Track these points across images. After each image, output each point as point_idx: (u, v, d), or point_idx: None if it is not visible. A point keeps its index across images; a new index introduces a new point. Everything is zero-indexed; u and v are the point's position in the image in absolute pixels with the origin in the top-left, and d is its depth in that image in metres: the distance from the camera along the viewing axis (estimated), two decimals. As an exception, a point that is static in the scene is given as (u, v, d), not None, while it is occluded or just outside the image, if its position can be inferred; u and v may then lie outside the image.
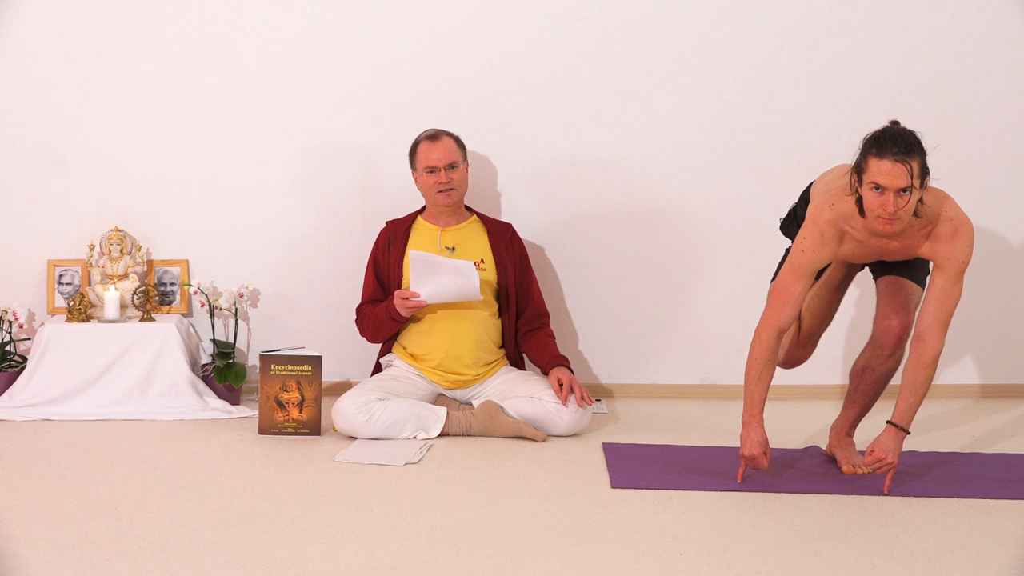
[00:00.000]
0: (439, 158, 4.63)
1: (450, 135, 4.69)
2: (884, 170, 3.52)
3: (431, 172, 4.63)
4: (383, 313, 4.60)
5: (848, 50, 5.03)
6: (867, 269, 4.09)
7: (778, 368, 4.26)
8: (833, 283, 4.10)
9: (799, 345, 4.19)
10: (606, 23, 5.02)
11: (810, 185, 4.05)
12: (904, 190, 3.52)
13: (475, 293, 4.48)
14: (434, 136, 4.67)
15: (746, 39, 5.03)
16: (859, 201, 3.63)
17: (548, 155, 5.08)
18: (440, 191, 4.64)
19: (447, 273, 4.46)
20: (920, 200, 3.59)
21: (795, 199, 4.14)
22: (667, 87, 5.06)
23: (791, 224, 4.12)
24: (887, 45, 5.04)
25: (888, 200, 3.53)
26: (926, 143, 3.58)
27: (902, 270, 3.93)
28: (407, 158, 4.77)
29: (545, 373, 4.65)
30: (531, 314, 4.74)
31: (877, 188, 3.54)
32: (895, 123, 3.63)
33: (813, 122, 5.03)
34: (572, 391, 4.47)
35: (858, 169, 3.60)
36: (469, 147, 4.80)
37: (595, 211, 5.12)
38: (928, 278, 3.84)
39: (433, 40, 5.02)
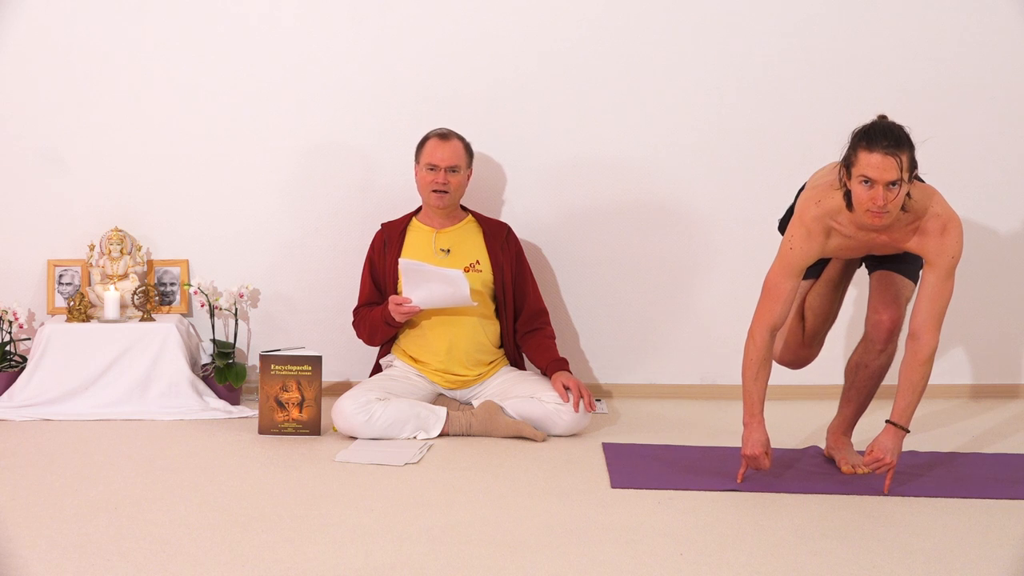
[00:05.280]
0: (443, 158, 4.62)
1: (461, 139, 4.68)
2: (874, 163, 3.52)
3: (431, 169, 4.63)
4: (379, 318, 4.59)
5: (848, 50, 5.04)
6: (864, 267, 4.10)
7: (783, 368, 4.28)
8: (833, 280, 4.11)
9: (805, 345, 4.19)
10: (606, 23, 5.02)
11: (805, 185, 4.05)
12: (893, 183, 3.53)
13: (466, 300, 4.47)
14: (445, 135, 4.66)
15: (747, 39, 5.03)
16: (847, 195, 3.64)
17: (549, 155, 5.08)
18: (435, 191, 4.63)
19: (437, 281, 4.45)
20: (908, 194, 3.60)
21: (796, 191, 4.13)
22: (667, 87, 5.06)
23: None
24: (887, 45, 5.04)
25: (877, 193, 3.54)
26: (914, 138, 3.59)
27: (894, 264, 3.93)
28: (409, 156, 4.76)
29: (545, 375, 4.65)
30: (529, 313, 4.74)
31: (866, 181, 3.55)
32: (883, 117, 3.64)
33: (813, 122, 5.03)
34: (581, 396, 4.46)
35: (847, 163, 3.61)
36: (470, 147, 4.81)
37: (596, 211, 5.12)
38: (920, 273, 3.84)
39: (433, 40, 5.02)
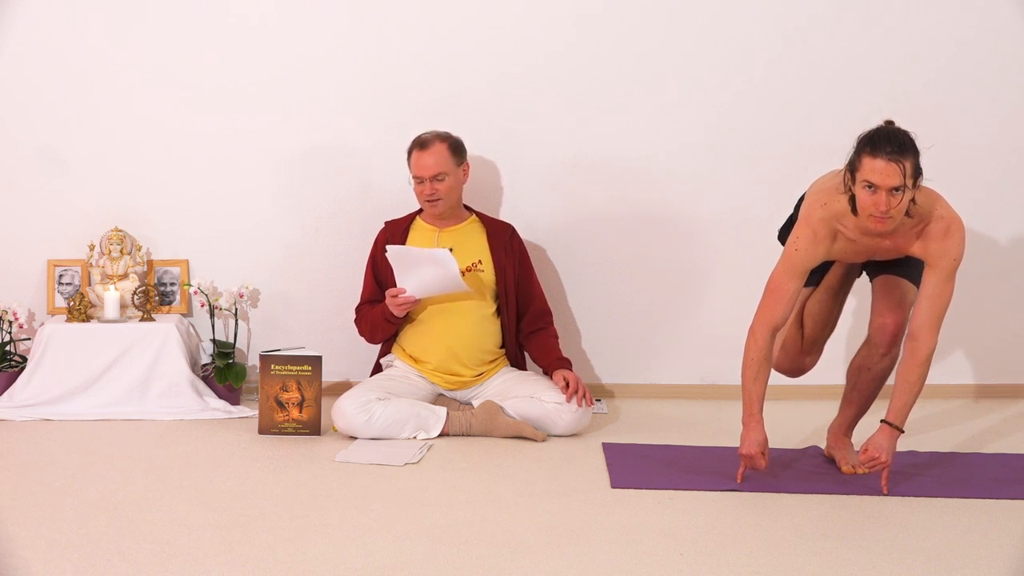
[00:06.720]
0: (426, 167, 4.58)
1: (444, 140, 4.62)
2: (878, 169, 3.53)
3: (420, 182, 4.62)
4: (380, 314, 4.59)
5: (849, 52, 5.03)
6: (864, 274, 4.10)
7: (785, 376, 4.28)
8: (833, 288, 4.11)
9: (804, 352, 4.20)
10: (607, 24, 5.02)
11: (804, 195, 4.05)
12: (897, 189, 3.54)
13: (457, 280, 4.45)
14: (424, 144, 4.60)
15: (748, 41, 5.03)
16: (852, 199, 3.65)
17: (550, 156, 5.08)
18: (426, 200, 4.62)
19: (425, 263, 4.44)
20: (912, 200, 3.60)
21: (795, 201, 4.13)
22: (669, 88, 5.06)
23: (788, 233, 4.12)
24: (887, 47, 5.04)
25: (881, 199, 3.55)
26: (920, 143, 3.60)
27: (897, 269, 3.94)
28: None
29: (547, 374, 4.65)
30: (534, 314, 4.74)
31: (870, 187, 3.56)
32: (889, 123, 3.65)
33: (814, 124, 5.03)
34: (576, 391, 4.46)
35: (851, 168, 3.62)
36: (470, 148, 4.76)
37: (597, 212, 5.12)
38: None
39: (433, 40, 5.02)
